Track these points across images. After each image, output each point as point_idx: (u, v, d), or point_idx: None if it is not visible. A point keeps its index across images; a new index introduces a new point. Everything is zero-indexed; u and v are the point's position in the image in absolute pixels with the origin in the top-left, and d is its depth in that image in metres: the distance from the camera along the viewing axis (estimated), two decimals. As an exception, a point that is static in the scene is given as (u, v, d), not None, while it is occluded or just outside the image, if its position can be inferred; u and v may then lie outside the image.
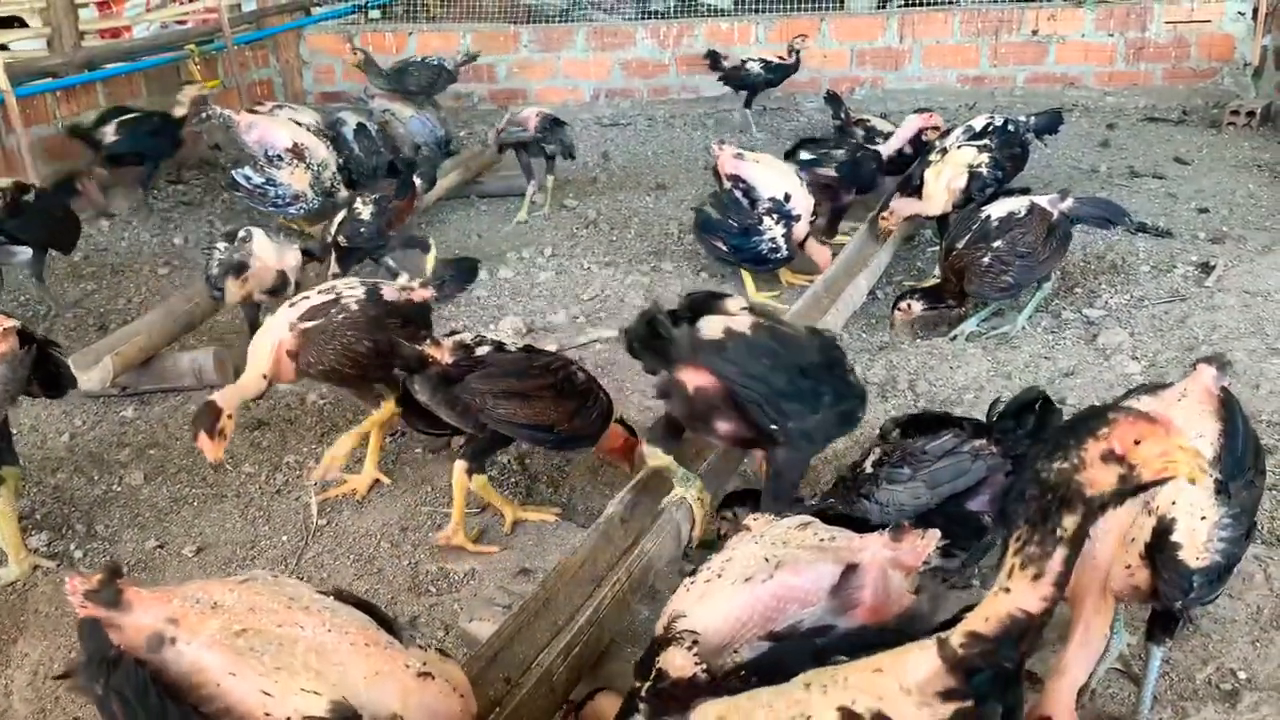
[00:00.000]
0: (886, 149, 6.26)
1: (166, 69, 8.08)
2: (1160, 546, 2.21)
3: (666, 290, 5.45)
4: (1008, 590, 1.51)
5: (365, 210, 5.27)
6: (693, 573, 2.25)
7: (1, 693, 2.85)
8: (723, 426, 2.90)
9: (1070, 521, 1.47)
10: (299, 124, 6.29)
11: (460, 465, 3.32)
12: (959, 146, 5.59)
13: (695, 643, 2.01)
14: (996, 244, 4.49)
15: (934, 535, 2.12)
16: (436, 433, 3.47)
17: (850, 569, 2.08)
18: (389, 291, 3.63)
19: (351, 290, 3.58)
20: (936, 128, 6.21)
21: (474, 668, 2.44)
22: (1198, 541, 2.20)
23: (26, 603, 3.21)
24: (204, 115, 6.40)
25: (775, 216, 5.17)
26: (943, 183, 5.40)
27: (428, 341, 3.20)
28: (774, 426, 2.82)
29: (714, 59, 8.81)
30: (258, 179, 5.87)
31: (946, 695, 1.51)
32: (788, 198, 5.27)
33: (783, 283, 5.49)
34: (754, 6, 10.11)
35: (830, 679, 1.62)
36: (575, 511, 3.59)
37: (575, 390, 3.31)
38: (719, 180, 5.68)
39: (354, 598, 2.15)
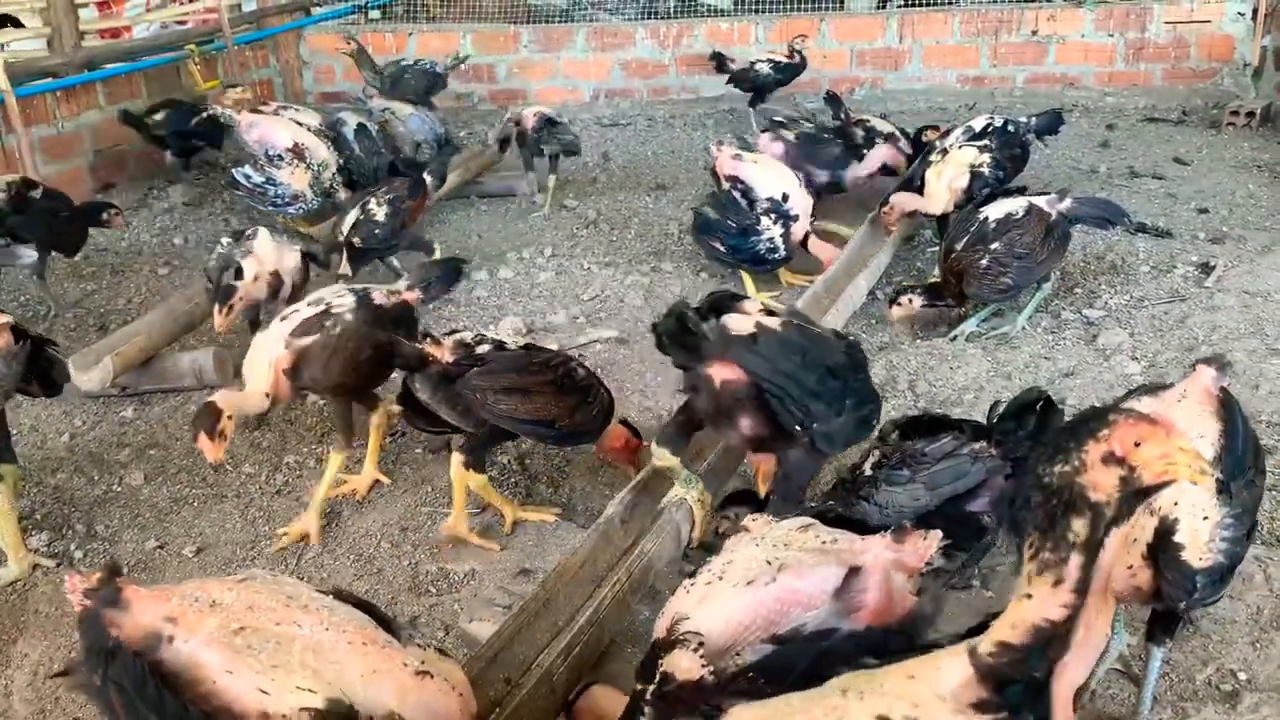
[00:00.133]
0: (859, 171, 6.20)
1: (166, 69, 8.09)
2: (1163, 547, 2.21)
3: (666, 290, 5.46)
4: (1029, 597, 1.49)
5: (380, 211, 5.26)
6: (692, 574, 2.24)
7: (1, 693, 2.85)
8: (746, 424, 2.90)
9: (1080, 525, 1.45)
10: (299, 124, 6.30)
11: (457, 459, 3.32)
12: (960, 147, 5.59)
13: (701, 645, 2.01)
14: (994, 246, 4.49)
15: (936, 537, 2.12)
16: (437, 431, 3.47)
17: (853, 571, 2.08)
18: (378, 296, 3.57)
19: (341, 300, 3.49)
20: (899, 161, 6.15)
21: (474, 668, 2.44)
22: (1200, 542, 2.20)
23: (26, 603, 3.21)
24: (205, 114, 6.42)
25: (773, 217, 5.17)
26: (944, 182, 5.41)
27: (428, 340, 3.20)
28: (798, 427, 2.83)
29: (720, 61, 8.75)
30: (258, 178, 5.88)
31: (980, 707, 1.50)
32: (786, 198, 5.27)
33: (782, 283, 5.49)
34: (754, 7, 10.11)
35: (866, 684, 1.61)
36: (575, 512, 3.59)
37: (576, 386, 3.32)
38: (717, 181, 5.69)
39: (353, 597, 2.16)
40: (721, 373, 2.84)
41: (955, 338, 4.69)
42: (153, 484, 3.83)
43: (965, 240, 4.57)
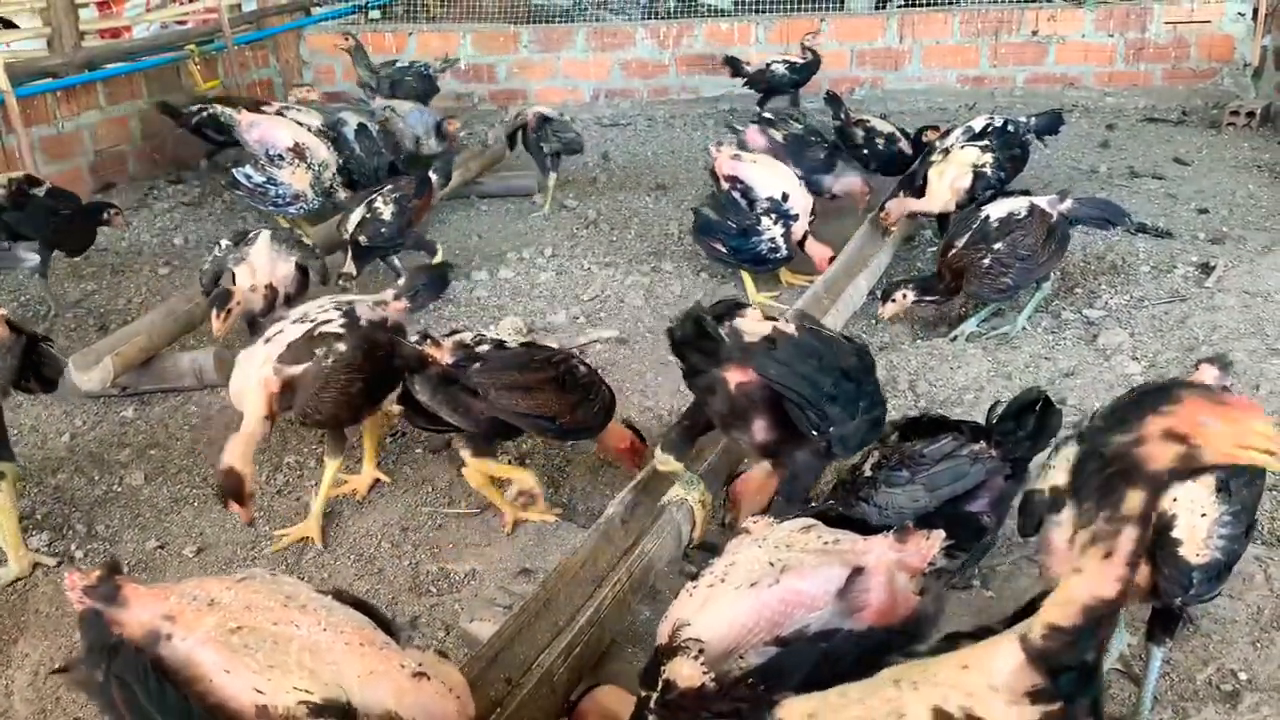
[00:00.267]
0: (833, 184, 6.13)
1: (166, 69, 8.08)
2: (1160, 543, 2.22)
3: (666, 290, 5.46)
4: (1079, 572, 1.46)
5: (386, 209, 5.26)
6: (694, 577, 2.24)
7: (2, 693, 2.85)
8: (759, 427, 2.91)
9: (1135, 498, 1.42)
10: (300, 124, 6.31)
11: (467, 456, 3.35)
12: (961, 147, 5.59)
13: (702, 651, 2.01)
14: (997, 246, 4.49)
15: (939, 537, 2.12)
16: (439, 430, 3.46)
17: (856, 572, 2.07)
18: (363, 310, 3.47)
19: (328, 320, 3.37)
20: (861, 193, 6.11)
21: (475, 668, 2.44)
22: (1198, 538, 2.21)
23: (27, 603, 3.21)
24: (205, 114, 6.43)
25: (773, 216, 5.17)
26: (946, 181, 5.41)
27: (428, 342, 3.20)
28: (815, 432, 2.84)
29: (735, 65, 8.65)
30: (258, 178, 5.88)
31: (1035, 696, 1.49)
32: (785, 197, 5.27)
33: (782, 283, 5.49)
34: (754, 7, 10.11)
35: (919, 675, 1.59)
36: (575, 512, 3.59)
37: (577, 383, 3.32)
38: (717, 181, 5.69)
39: (352, 598, 2.16)
40: (738, 377, 2.85)
41: (955, 338, 4.69)
42: (153, 484, 3.84)
43: (967, 238, 4.57)
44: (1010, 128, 5.82)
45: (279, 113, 6.58)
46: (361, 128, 6.57)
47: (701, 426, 3.09)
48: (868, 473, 2.89)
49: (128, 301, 5.56)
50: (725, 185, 5.50)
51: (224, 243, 4.45)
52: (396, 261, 5.44)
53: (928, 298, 4.71)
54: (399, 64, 8.36)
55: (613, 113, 9.77)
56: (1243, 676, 2.63)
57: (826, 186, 6.07)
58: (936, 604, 2.14)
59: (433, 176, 5.67)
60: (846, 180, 6.07)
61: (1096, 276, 5.23)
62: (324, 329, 3.34)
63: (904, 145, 6.55)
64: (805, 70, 8.57)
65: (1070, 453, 2.49)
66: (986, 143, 5.59)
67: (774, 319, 3.02)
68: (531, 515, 3.49)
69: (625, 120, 9.56)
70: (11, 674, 2.91)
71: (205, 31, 8.50)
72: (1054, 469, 2.50)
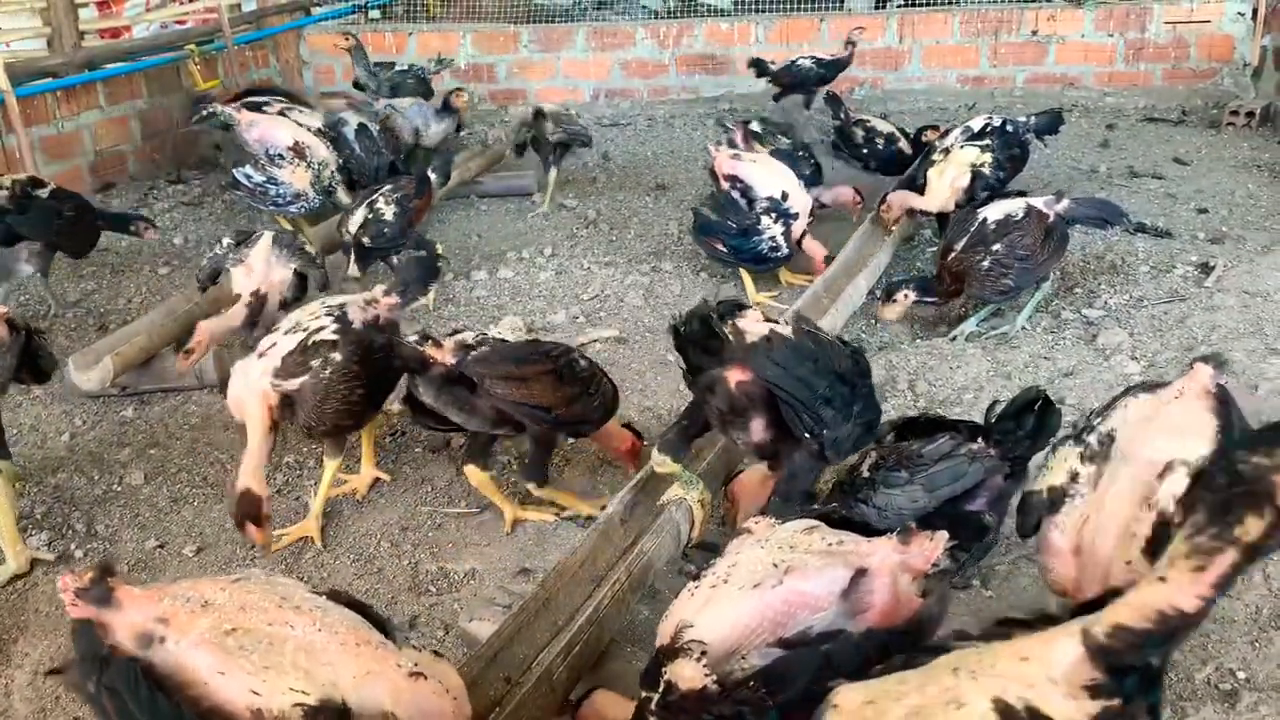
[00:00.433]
0: (821, 194, 6.04)
1: (166, 69, 8.09)
2: (1161, 541, 2.22)
3: (666, 290, 5.46)
4: (1163, 580, 1.40)
5: (389, 210, 5.25)
6: (696, 577, 2.24)
7: (1, 692, 2.85)
8: (757, 427, 2.92)
9: (1254, 524, 1.34)
10: (300, 124, 6.31)
11: (470, 468, 3.38)
12: (961, 146, 5.60)
13: (704, 653, 2.00)
14: (996, 247, 4.50)
15: (942, 538, 2.11)
16: (444, 429, 3.46)
17: (860, 573, 2.07)
18: (355, 313, 3.43)
19: (320, 328, 3.34)
20: (852, 204, 6.06)
21: (474, 667, 2.44)
22: None
23: (26, 602, 3.21)
24: (205, 113, 6.42)
25: (773, 215, 5.17)
26: (946, 180, 5.41)
27: (429, 343, 3.20)
28: (809, 434, 2.85)
29: (760, 66, 8.33)
30: (258, 177, 5.88)
31: (1094, 691, 1.46)
32: (785, 196, 5.27)
33: (782, 283, 5.50)
34: (754, 6, 10.11)
35: (977, 664, 1.58)
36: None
37: (576, 376, 3.31)
38: (716, 181, 5.69)
39: (348, 597, 2.15)
40: (738, 375, 2.86)
41: (955, 338, 4.69)
42: (153, 483, 3.84)
43: (965, 241, 4.58)
44: (1010, 127, 5.83)
45: (281, 113, 6.58)
46: (362, 127, 6.57)
47: (699, 428, 3.09)
48: (865, 474, 2.89)
49: (127, 301, 5.56)
50: (725, 184, 5.50)
51: (225, 241, 4.45)
52: (395, 261, 5.43)
53: (928, 298, 4.71)
54: (397, 67, 8.36)
55: (613, 112, 9.77)
56: (1241, 676, 2.63)
57: (814, 197, 6.06)
58: (941, 606, 2.13)
59: (431, 175, 5.67)
60: (837, 190, 6.05)
61: (1096, 276, 5.23)
62: (317, 337, 3.31)
63: (904, 145, 6.55)
64: (833, 66, 8.25)
65: (1067, 452, 2.49)
66: (986, 142, 5.60)
67: (773, 320, 3.03)
68: (531, 515, 3.50)
69: (625, 120, 9.56)
70: (11, 673, 2.91)
71: (205, 31, 8.49)
72: (1052, 469, 2.51)
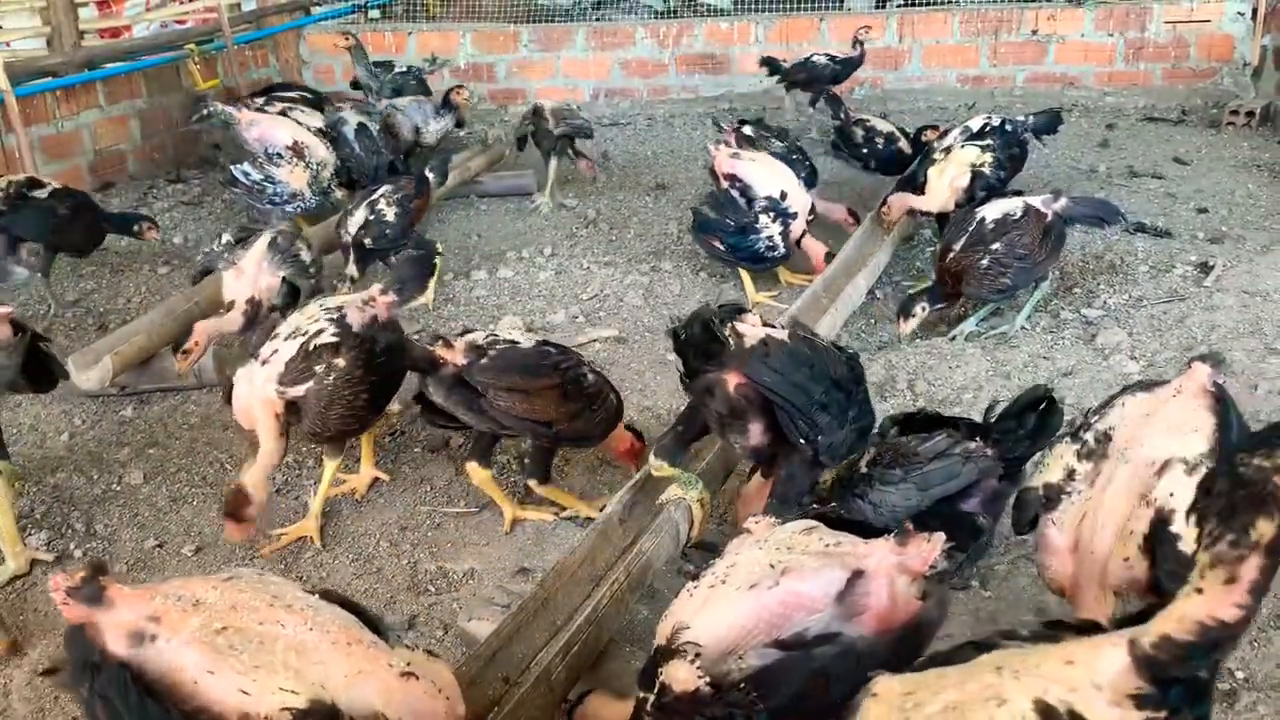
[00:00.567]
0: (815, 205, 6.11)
1: (166, 68, 8.09)
2: (1159, 538, 2.22)
3: (666, 290, 5.46)
4: (1200, 591, 1.40)
5: (389, 211, 5.24)
6: (695, 577, 2.24)
7: (1, 692, 2.85)
8: (756, 431, 2.92)
9: (1265, 526, 1.33)
10: (300, 124, 6.31)
11: (472, 466, 3.38)
12: (961, 146, 5.60)
13: (698, 655, 2.01)
14: (994, 246, 4.51)
15: (940, 539, 2.11)
16: (456, 427, 3.46)
17: (857, 575, 2.06)
18: (354, 315, 3.36)
19: (320, 331, 3.29)
20: (846, 221, 6.02)
21: (472, 667, 2.44)
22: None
23: (26, 602, 3.21)
24: (205, 112, 6.43)
25: (772, 215, 5.17)
26: (946, 180, 5.41)
27: (440, 343, 3.19)
28: (803, 440, 2.86)
29: (773, 65, 8.35)
30: (256, 175, 5.87)
31: (1139, 701, 1.45)
32: (784, 195, 5.28)
33: (781, 282, 5.50)
34: (754, 6, 10.11)
35: (1021, 664, 1.57)
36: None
37: (582, 392, 3.31)
38: (716, 180, 5.69)
39: (340, 597, 2.14)
40: (737, 379, 2.87)
41: (954, 337, 4.69)
42: (152, 483, 3.84)
43: (964, 241, 4.58)
44: (1009, 127, 5.83)
45: (282, 112, 6.58)
46: (361, 127, 6.57)
47: (696, 431, 3.10)
48: (863, 470, 2.89)
49: (127, 301, 5.56)
50: (724, 184, 5.50)
51: (225, 238, 4.45)
52: (395, 260, 5.43)
53: (940, 305, 4.71)
54: (397, 69, 8.37)
55: (612, 112, 9.77)
56: (1240, 675, 2.63)
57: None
58: (940, 609, 2.12)
59: (429, 175, 5.67)
60: (831, 206, 6.03)
61: (1095, 276, 5.23)
62: (318, 341, 3.28)
63: (903, 145, 6.56)
64: (847, 65, 8.26)
65: (1064, 450, 2.49)
66: (986, 142, 5.60)
67: (770, 324, 3.03)
68: (530, 514, 3.50)
69: (625, 120, 9.56)
70: (10, 673, 2.91)
71: (205, 31, 8.50)
72: (1048, 466, 2.51)
